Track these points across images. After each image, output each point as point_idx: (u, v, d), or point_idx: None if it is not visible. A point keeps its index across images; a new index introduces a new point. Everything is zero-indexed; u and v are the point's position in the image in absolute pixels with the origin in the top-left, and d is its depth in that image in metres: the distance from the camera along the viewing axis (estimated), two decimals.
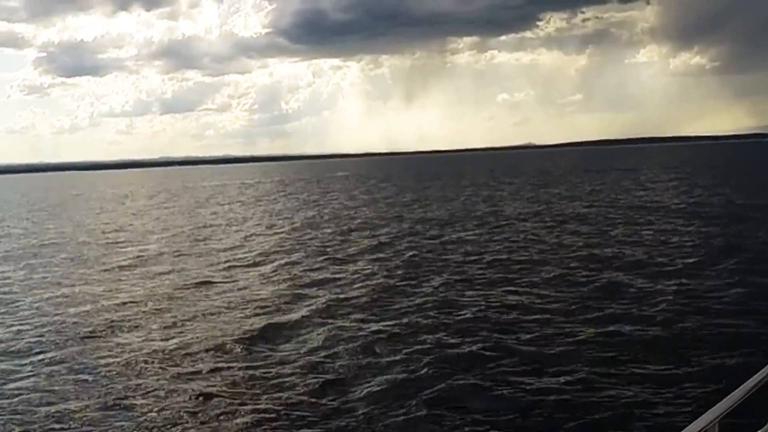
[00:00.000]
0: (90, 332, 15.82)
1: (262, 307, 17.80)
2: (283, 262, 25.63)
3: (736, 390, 3.28)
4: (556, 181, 74.55)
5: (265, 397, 11.29)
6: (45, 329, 16.27)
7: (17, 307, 19.11)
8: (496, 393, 11.05)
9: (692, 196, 46.32)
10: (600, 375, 11.57)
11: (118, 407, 11.04)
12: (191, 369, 12.87)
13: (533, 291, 18.47)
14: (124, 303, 18.97)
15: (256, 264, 25.40)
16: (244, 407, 10.87)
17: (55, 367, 13.20)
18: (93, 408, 11.03)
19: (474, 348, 13.39)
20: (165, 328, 16.10)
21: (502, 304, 17.04)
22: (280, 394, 11.36)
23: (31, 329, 16.34)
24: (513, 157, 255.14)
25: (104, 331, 15.94)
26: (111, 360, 13.60)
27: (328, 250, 28.25)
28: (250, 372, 12.56)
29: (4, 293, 21.38)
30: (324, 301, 18.16)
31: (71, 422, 10.52)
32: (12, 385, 12.25)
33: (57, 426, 10.39)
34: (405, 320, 15.80)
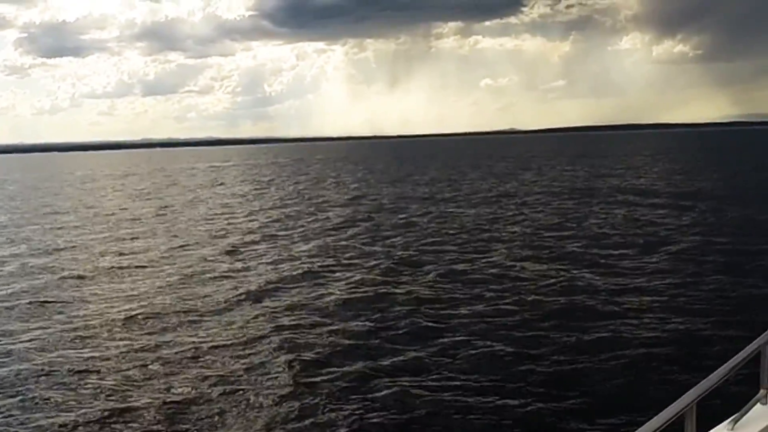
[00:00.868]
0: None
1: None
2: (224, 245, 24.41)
3: (714, 372, 3.23)
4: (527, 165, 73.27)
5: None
6: None
7: None
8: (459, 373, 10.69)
9: (670, 181, 45.91)
10: (570, 362, 10.95)
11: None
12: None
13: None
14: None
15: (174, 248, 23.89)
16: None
17: None
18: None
19: (420, 321, 13.42)
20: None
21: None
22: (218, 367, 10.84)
23: None
24: (496, 142, 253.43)
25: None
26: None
27: (265, 231, 27.89)
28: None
29: None
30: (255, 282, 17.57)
31: None
32: None
33: None
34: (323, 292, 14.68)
